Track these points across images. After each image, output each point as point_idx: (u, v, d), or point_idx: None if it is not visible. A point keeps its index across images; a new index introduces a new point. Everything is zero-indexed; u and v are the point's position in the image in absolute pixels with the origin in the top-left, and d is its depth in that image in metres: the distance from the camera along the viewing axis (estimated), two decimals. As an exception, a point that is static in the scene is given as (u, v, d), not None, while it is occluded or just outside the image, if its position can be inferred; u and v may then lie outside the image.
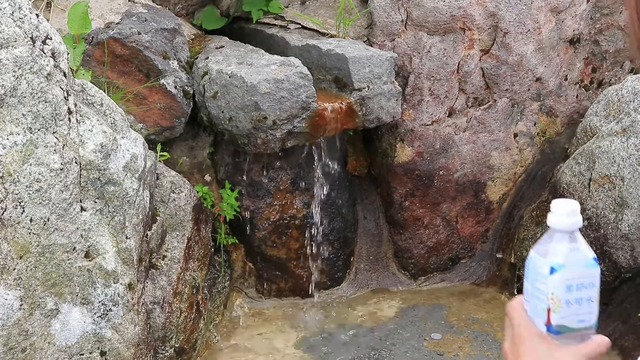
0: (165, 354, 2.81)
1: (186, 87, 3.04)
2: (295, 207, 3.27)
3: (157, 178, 2.82)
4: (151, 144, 3.01)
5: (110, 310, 2.56)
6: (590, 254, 1.05)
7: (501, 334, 3.12)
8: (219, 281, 3.22)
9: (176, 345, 2.84)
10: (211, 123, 3.03)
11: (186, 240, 2.86)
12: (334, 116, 2.92)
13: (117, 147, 2.52)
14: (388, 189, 3.50)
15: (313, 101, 2.85)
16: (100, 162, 2.45)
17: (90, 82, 2.76)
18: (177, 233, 2.86)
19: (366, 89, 3.01)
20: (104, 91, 2.82)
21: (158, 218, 2.79)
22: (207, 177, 3.24)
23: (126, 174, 2.54)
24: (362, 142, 3.57)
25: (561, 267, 1.03)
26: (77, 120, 2.44)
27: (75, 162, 2.38)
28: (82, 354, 2.54)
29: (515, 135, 3.53)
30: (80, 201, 2.43)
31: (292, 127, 2.86)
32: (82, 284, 2.48)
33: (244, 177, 3.19)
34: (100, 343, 2.56)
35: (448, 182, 3.46)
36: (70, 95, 2.42)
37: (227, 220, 3.15)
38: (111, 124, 2.56)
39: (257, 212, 3.24)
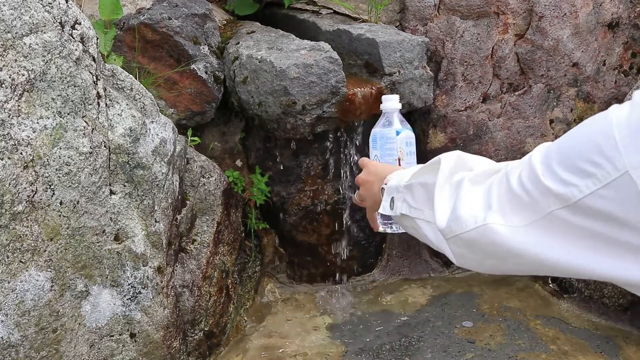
0: (195, 337, 2.84)
1: (217, 72, 3.05)
2: (326, 192, 3.26)
3: (187, 162, 2.83)
4: (182, 129, 3.03)
5: (140, 292, 2.59)
6: (409, 124, 1.75)
7: (534, 323, 3.08)
8: (249, 266, 3.24)
9: (205, 329, 2.86)
10: (241, 108, 3.03)
11: (216, 225, 2.87)
12: (364, 101, 2.90)
13: (147, 132, 2.54)
14: (421, 176, 3.46)
15: (343, 86, 2.83)
16: (130, 146, 2.47)
17: (121, 67, 2.79)
18: (207, 217, 2.87)
19: (397, 73, 2.99)
20: (135, 76, 2.85)
21: (188, 202, 2.80)
22: (239, 162, 3.25)
23: (155, 158, 2.56)
24: (395, 128, 3.54)
25: (402, 130, 1.70)
26: (106, 104, 2.46)
27: (105, 146, 2.41)
28: (112, 335, 2.57)
29: (551, 121, 3.47)
30: (110, 185, 2.46)
31: (322, 112, 2.85)
32: (111, 266, 2.51)
33: (275, 163, 3.19)
34: (129, 325, 2.59)
35: (481, 168, 3.41)
36: (99, 79, 2.45)
37: (258, 205, 3.16)
38: (141, 108, 2.57)
39: (288, 198, 3.24)
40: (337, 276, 3.40)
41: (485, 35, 3.29)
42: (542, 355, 2.85)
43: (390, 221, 1.45)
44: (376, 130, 1.80)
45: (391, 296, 3.40)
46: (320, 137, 3.14)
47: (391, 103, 1.82)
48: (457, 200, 1.06)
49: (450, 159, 1.19)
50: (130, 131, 2.47)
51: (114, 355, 2.59)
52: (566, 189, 0.84)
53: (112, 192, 2.47)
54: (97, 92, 2.42)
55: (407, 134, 1.73)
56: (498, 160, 3.21)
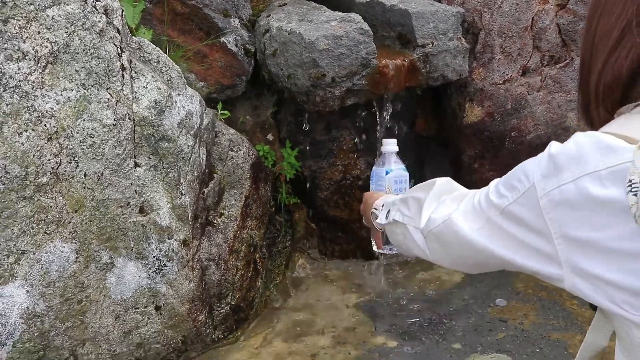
0: (221, 311, 2.83)
1: (247, 45, 3.01)
2: (358, 167, 3.21)
3: (216, 136, 2.81)
4: (213, 102, 3.01)
5: (165, 265, 2.59)
6: (403, 165, 1.99)
7: (570, 303, 2.99)
8: (279, 241, 3.21)
9: (232, 303, 2.85)
10: (272, 81, 2.99)
11: (244, 199, 2.85)
12: (395, 73, 2.83)
13: (172, 104, 2.52)
14: (457, 151, 3.39)
15: (373, 58, 2.77)
16: (154, 118, 2.45)
17: (150, 40, 2.77)
18: (235, 191, 2.85)
19: (430, 45, 2.90)
20: (164, 49, 2.83)
21: (215, 176, 2.79)
22: (270, 136, 3.22)
23: (181, 131, 2.54)
24: (432, 102, 3.46)
25: (392, 171, 1.96)
26: (131, 76, 2.45)
27: (129, 118, 2.40)
28: (137, 308, 2.58)
29: (595, 95, 3.34)
30: (134, 157, 2.45)
31: (352, 84, 2.79)
32: (136, 238, 2.51)
33: (306, 137, 3.15)
34: (155, 297, 2.60)
35: (520, 144, 3.32)
36: (124, 51, 2.43)
37: (289, 179, 3.13)
38: (167, 80, 2.56)
39: (320, 172, 3.20)
40: (369, 252, 3.35)
41: (525, 6, 3.17)
42: (577, 336, 2.76)
43: (390, 245, 1.71)
44: (374, 168, 2.10)
45: (425, 274, 3.34)
46: (352, 110, 3.08)
47: (388, 146, 2.07)
48: (436, 208, 1.34)
49: (442, 182, 1.45)
50: (156, 103, 2.46)
51: (139, 327, 2.60)
52: (500, 200, 1.08)
53: (136, 165, 2.46)
54: (122, 64, 2.41)
55: (398, 174, 2.01)
56: (537, 136, 3.08)
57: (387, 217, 1.57)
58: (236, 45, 2.97)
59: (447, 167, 3.47)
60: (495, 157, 3.33)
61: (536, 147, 3.31)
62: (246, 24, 3.03)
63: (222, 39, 2.94)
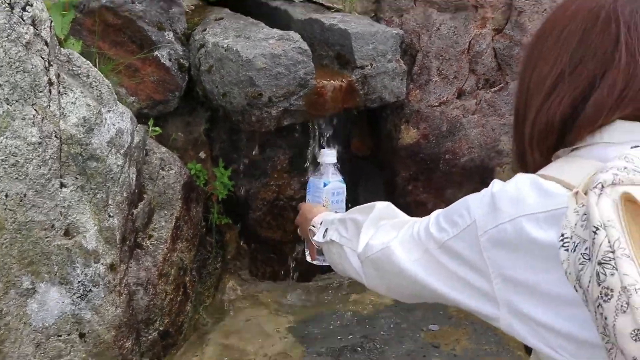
0: (149, 337, 2.71)
1: (181, 60, 2.91)
2: (292, 187, 3.15)
3: (146, 154, 2.70)
4: (144, 118, 2.89)
5: (91, 290, 2.46)
6: (341, 177, 2.01)
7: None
8: (209, 262, 3.12)
9: (160, 329, 2.74)
10: (206, 98, 2.90)
11: (174, 220, 2.75)
12: (333, 94, 2.78)
13: (102, 121, 2.39)
14: (391, 172, 3.36)
15: (312, 78, 2.71)
16: (83, 136, 2.33)
17: (80, 52, 2.64)
18: (165, 212, 2.74)
19: (369, 66, 2.87)
20: (94, 62, 2.71)
21: (145, 196, 2.67)
22: (202, 154, 3.12)
23: (110, 150, 2.42)
24: (367, 122, 3.43)
25: (329, 182, 1.95)
26: (59, 92, 2.32)
27: (55, 136, 2.27)
28: (60, 335, 2.44)
29: (527, 119, 3.37)
30: (60, 177, 2.32)
31: (289, 104, 2.73)
32: (60, 263, 2.37)
33: (240, 156, 3.06)
34: (79, 324, 2.46)
35: (454, 166, 3.32)
36: (52, 65, 2.30)
37: (221, 200, 3.03)
38: (97, 96, 2.43)
39: (253, 192, 3.12)
40: (301, 274, 3.29)
41: (463, 29, 3.18)
42: (508, 362, 2.77)
43: (323, 257, 1.67)
44: (310, 179, 2.09)
45: (357, 296, 3.29)
46: (287, 130, 3.01)
47: (327, 157, 2.06)
48: (375, 234, 1.32)
49: (382, 207, 1.43)
50: (84, 121, 2.33)
51: (62, 356, 2.45)
52: (440, 233, 1.08)
53: (62, 185, 2.33)
54: (49, 78, 2.28)
55: (335, 186, 2.01)
56: (471, 159, 3.08)
57: (324, 236, 1.56)
58: (170, 60, 2.86)
59: (381, 188, 3.45)
60: (429, 179, 3.32)
61: (470, 170, 3.33)
62: (180, 38, 2.93)
63: (156, 53, 2.83)
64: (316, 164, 2.95)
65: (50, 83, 2.28)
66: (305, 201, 2.25)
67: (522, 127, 1.09)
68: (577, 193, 0.88)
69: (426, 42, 3.17)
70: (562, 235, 0.86)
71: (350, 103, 2.88)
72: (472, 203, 1.04)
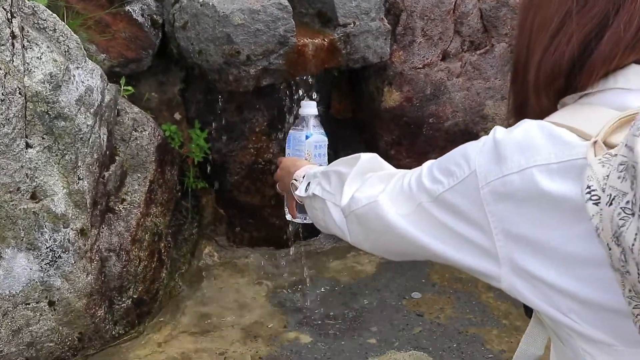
0: (122, 305, 2.61)
1: (155, 16, 2.77)
2: (271, 151, 3.03)
3: (118, 114, 2.57)
4: (115, 76, 2.75)
5: (60, 257, 2.34)
6: (323, 130, 1.86)
7: (486, 296, 2.92)
8: (185, 228, 3.01)
9: (134, 296, 2.63)
10: (181, 56, 2.76)
11: (148, 183, 2.63)
12: (314, 53, 2.66)
13: (70, 78, 2.26)
14: (373, 136, 3.26)
15: (292, 36, 2.58)
16: (49, 93, 2.19)
17: (47, 5, 2.49)
18: (139, 175, 2.62)
19: (352, 25, 2.75)
20: (62, 17, 2.56)
21: (117, 158, 2.55)
22: (177, 116, 2.99)
23: (79, 108, 2.29)
24: (348, 83, 3.31)
25: (311, 135, 1.82)
26: (23, 46, 2.18)
27: (20, 93, 2.13)
28: (28, 303, 2.33)
29: (513, 83, 3.27)
30: (26, 137, 2.19)
31: (268, 63, 2.60)
32: (27, 227, 2.25)
33: (217, 117, 2.94)
34: (48, 292, 2.35)
35: (438, 130, 3.22)
36: (15, 17, 2.16)
37: (197, 163, 2.91)
38: (64, 52, 2.29)
39: (230, 155, 3.00)
40: (280, 240, 3.19)
41: (449, -12, 3.06)
42: (493, 330, 2.69)
43: (304, 214, 1.59)
44: (290, 132, 1.97)
45: (338, 262, 3.21)
46: (267, 90, 2.89)
47: (307, 109, 1.95)
48: (360, 186, 1.22)
49: (368, 158, 1.33)
50: (51, 77, 2.19)
51: (30, 324, 2.35)
52: (434, 185, 0.97)
53: (28, 145, 2.20)
54: (12, 31, 2.14)
55: (317, 138, 1.91)
56: (455, 123, 2.98)
57: (307, 190, 1.46)
58: (142, 15, 2.72)
59: (363, 152, 3.33)
60: (413, 143, 3.22)
61: (454, 134, 3.23)
62: (154, -7, 2.78)
63: (127, 8, 2.69)
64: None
65: (14, 36, 2.14)
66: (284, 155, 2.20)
67: (523, 75, 1.00)
68: (595, 142, 0.79)
69: (411, 1, 3.05)
70: (589, 187, 0.76)
71: (332, 63, 2.77)
72: (471, 151, 0.94)
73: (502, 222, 0.90)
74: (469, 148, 0.95)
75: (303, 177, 1.54)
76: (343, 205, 1.25)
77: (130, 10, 2.69)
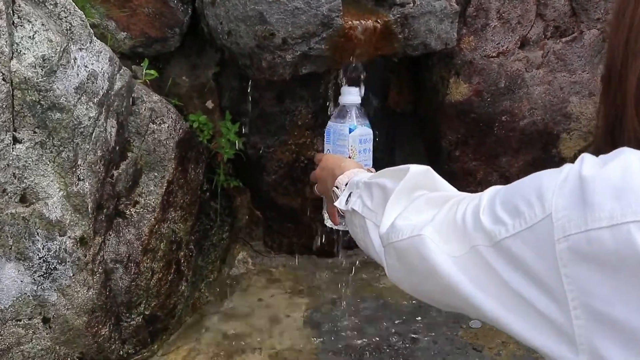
0: (132, 322, 2.28)
1: (183, -11, 2.40)
2: (315, 147, 2.64)
3: (133, 103, 2.22)
4: (138, 57, 2.42)
5: (55, 268, 2.02)
6: (367, 120, 1.83)
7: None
8: (213, 232, 2.65)
9: (146, 313, 2.30)
10: (211, 37, 2.39)
11: (166, 184, 2.28)
12: (364, 38, 2.23)
13: (69, 62, 1.91)
14: (436, 133, 2.82)
15: (337, 16, 2.17)
16: (42, 80, 1.85)
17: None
18: (155, 174, 2.27)
19: (411, 4, 2.31)
20: (75, -13, 2.22)
21: (130, 154, 2.20)
22: (209, 104, 2.63)
23: (79, 98, 1.94)
24: (409, 71, 2.87)
25: (355, 127, 1.80)
26: (12, 23, 1.84)
27: (4, 79, 1.80)
28: (20, 320, 2.02)
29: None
30: (13, 130, 1.86)
31: (308, 48, 2.20)
32: (16, 235, 1.93)
33: (253, 107, 2.56)
34: (42, 308, 2.03)
35: (511, 130, 2.76)
36: (3, -13, 1.82)
37: (226, 159, 2.54)
38: (65, 30, 1.95)
39: (267, 152, 2.62)
40: (323, 248, 2.80)
41: (532, -37, 2.59)
42: (565, 373, 2.25)
43: None
44: (330, 124, 1.82)
45: (387, 279, 2.80)
46: (313, 76, 2.49)
47: (349, 97, 1.80)
48: (404, 211, 1.05)
49: (418, 171, 1.15)
50: (44, 60, 1.85)
51: (21, 343, 2.04)
52: (495, 226, 0.80)
53: (16, 140, 1.87)
54: (-3, 5, 1.80)
55: (362, 131, 1.77)
56: (532, 122, 2.53)
57: (347, 201, 1.30)
58: (168, -12, 2.36)
59: (422, 152, 2.91)
60: (481, 144, 2.78)
61: (530, 135, 2.77)
62: (184, -39, 2.41)
63: (151, -21, 2.33)
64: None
65: None
66: (323, 151, 1.98)
67: (619, 82, 0.79)
68: None
69: (485, -24, 2.59)
70: None
71: (385, 49, 2.33)
72: (548, 186, 0.74)
73: (583, 292, 0.70)
74: (545, 181, 0.76)
75: (346, 185, 1.38)
76: (382, 232, 1.08)
77: (154, -19, 2.33)
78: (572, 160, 2.36)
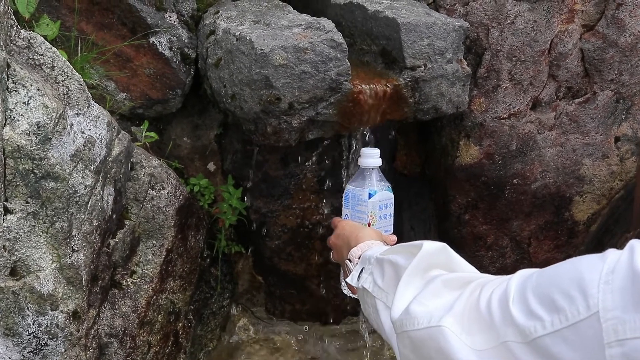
0: (126, 399, 2.15)
1: (186, 50, 2.33)
2: (321, 212, 2.54)
3: (132, 168, 2.13)
4: (139, 119, 2.34)
5: (46, 344, 1.90)
6: (388, 183, 1.75)
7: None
8: (213, 300, 2.54)
9: (141, 389, 2.17)
10: (214, 99, 2.31)
11: (165, 253, 2.17)
12: (373, 102, 2.15)
13: (65, 128, 1.82)
14: (444, 197, 2.73)
15: (346, 80, 2.09)
16: (36, 148, 1.76)
17: (57, 36, 2.09)
18: (154, 242, 2.17)
19: (422, 67, 2.23)
20: (74, 48, 2.15)
21: (127, 222, 2.10)
22: (211, 166, 2.54)
23: (75, 166, 1.85)
24: (417, 133, 2.79)
25: (375, 193, 1.71)
26: (6, 88, 1.75)
27: (-4, 147, 1.71)
28: (6, 400, 1.90)
29: (617, 139, 2.70)
30: (5, 200, 1.76)
31: (315, 113, 2.12)
32: (5, 310, 1.82)
33: (257, 170, 2.46)
34: (31, 386, 1.92)
35: (523, 193, 2.67)
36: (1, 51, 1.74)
37: (227, 224, 2.44)
38: (62, 95, 1.87)
39: (271, 216, 2.52)
40: (328, 315, 2.69)
41: (544, 24, 2.52)
42: None
43: None
44: (349, 188, 1.74)
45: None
46: (318, 139, 2.40)
47: (370, 160, 1.72)
48: (419, 295, 0.95)
49: (433, 248, 1.06)
50: (38, 127, 1.76)
51: None
52: (530, 321, 0.72)
53: (7, 211, 1.77)
54: (-9, 70, 1.72)
55: (383, 196, 1.69)
56: (544, 185, 2.44)
57: (359, 278, 1.22)
58: (170, 49, 2.28)
59: (431, 215, 2.81)
60: (492, 207, 2.68)
61: (542, 198, 2.68)
62: (187, 22, 2.34)
63: (152, 39, 2.26)
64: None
65: (-7, 76, 1.72)
66: (341, 216, 1.87)
67: None
68: None
69: (497, 38, 2.52)
70: None
71: (395, 114, 2.25)
72: (591, 278, 0.67)
73: None
74: (586, 272, 0.67)
75: (359, 259, 1.31)
76: (394, 317, 0.98)
77: (156, 42, 2.25)
78: (586, 225, 2.26)
